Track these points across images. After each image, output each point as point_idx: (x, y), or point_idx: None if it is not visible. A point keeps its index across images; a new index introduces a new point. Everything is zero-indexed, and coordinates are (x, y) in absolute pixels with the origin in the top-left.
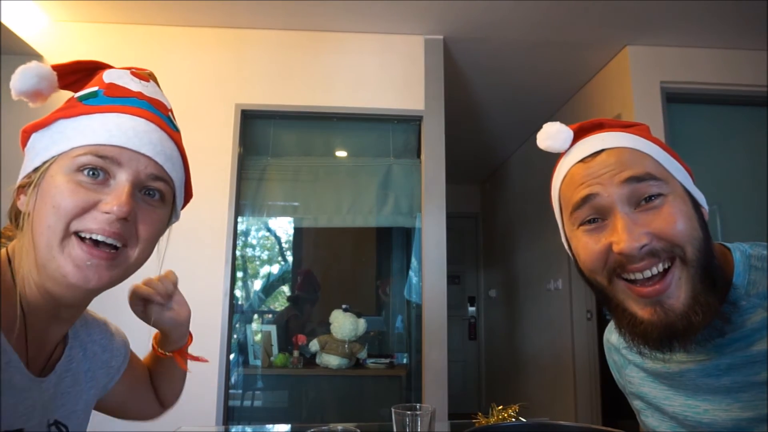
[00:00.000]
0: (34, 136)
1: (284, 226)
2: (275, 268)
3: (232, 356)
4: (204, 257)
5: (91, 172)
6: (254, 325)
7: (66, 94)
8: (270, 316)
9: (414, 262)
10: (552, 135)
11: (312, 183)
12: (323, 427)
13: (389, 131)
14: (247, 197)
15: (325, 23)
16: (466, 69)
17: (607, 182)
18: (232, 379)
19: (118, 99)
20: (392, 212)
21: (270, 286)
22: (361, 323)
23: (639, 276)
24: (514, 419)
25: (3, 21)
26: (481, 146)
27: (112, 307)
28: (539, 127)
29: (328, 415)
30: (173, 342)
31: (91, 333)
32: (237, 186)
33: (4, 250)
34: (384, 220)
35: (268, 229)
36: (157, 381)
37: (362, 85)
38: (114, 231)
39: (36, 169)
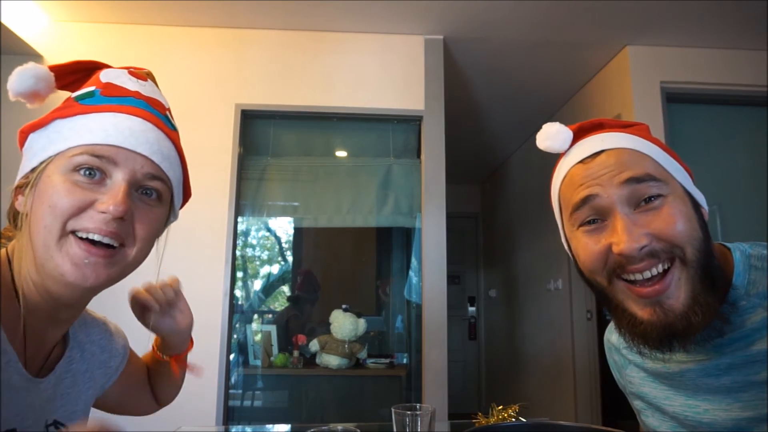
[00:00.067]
0: (31, 136)
1: (284, 226)
2: (275, 268)
3: (232, 356)
4: (204, 257)
5: (87, 172)
6: (254, 325)
7: (65, 95)
8: (270, 316)
9: (414, 262)
10: (551, 135)
11: (312, 183)
12: (323, 427)
13: (389, 131)
14: (247, 197)
15: (325, 23)
16: (466, 69)
17: (607, 183)
18: (232, 379)
19: (115, 98)
20: (392, 212)
21: (270, 286)
22: (361, 323)
23: (639, 276)
24: (514, 419)
25: (3, 21)
26: (481, 146)
27: (112, 307)
28: (539, 127)
29: (328, 415)
30: (172, 347)
31: (90, 333)
32: (237, 186)
33: (3, 250)
34: (384, 220)
35: (268, 229)
36: (155, 380)
37: (362, 85)
38: (111, 230)
39: (33, 170)
